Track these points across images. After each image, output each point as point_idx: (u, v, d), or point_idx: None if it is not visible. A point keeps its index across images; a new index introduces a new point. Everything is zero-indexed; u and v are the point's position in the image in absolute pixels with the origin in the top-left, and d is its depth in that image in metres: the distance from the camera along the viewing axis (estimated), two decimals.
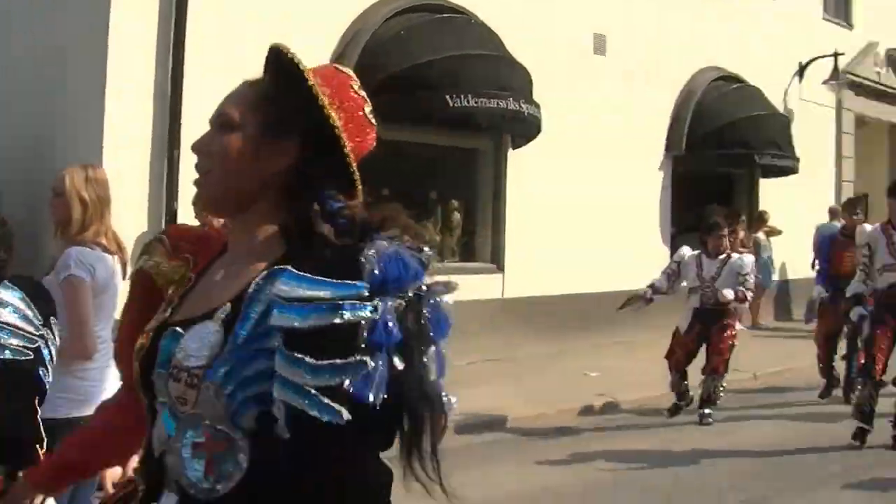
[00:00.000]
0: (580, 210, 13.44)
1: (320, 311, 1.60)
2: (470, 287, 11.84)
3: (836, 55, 18.20)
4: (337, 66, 1.85)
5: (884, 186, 22.11)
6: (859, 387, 8.08)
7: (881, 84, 20.99)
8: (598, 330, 13.52)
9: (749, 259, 9.29)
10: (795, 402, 10.18)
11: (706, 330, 9.00)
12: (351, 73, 1.91)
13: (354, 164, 1.84)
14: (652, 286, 9.35)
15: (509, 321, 12.42)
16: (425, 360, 1.71)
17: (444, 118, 10.95)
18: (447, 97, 10.52)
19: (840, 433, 8.34)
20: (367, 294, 1.62)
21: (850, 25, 20.34)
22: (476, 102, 10.69)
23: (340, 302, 1.60)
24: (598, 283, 13.47)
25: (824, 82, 18.39)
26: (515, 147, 12.45)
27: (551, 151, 12.71)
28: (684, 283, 9.36)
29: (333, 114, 1.76)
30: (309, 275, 1.64)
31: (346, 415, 1.56)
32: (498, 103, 10.88)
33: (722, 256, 9.05)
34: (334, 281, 1.63)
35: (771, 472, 7.26)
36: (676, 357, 9.11)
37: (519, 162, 12.57)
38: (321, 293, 1.61)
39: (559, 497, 6.73)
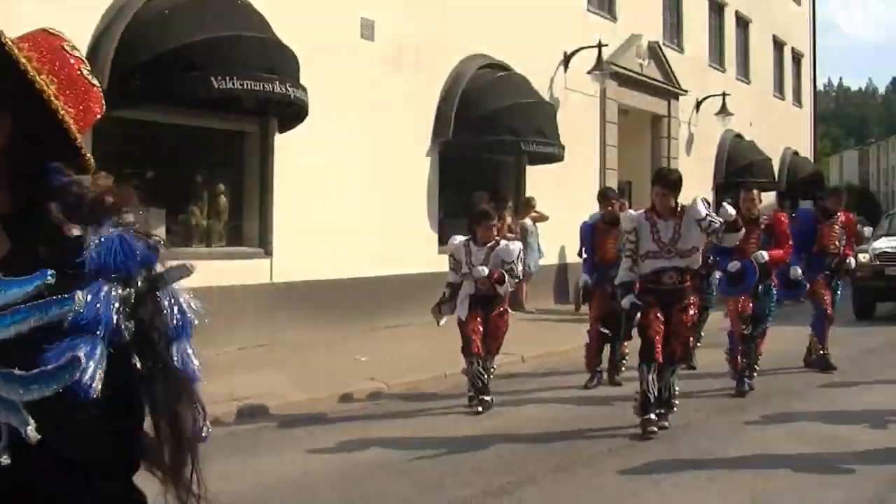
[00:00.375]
0: (349, 194, 13.98)
1: (21, 314, 1.48)
2: (238, 272, 12.35)
3: (599, 46, 19.53)
4: (48, 28, 1.67)
5: (646, 174, 24.02)
6: (641, 374, 8.11)
7: (643, 75, 22.66)
8: (370, 315, 14.13)
9: (516, 247, 9.43)
10: (562, 385, 10.70)
11: (484, 315, 9.20)
12: (63, 34, 1.72)
13: (77, 132, 1.65)
14: (450, 285, 9.48)
15: (279, 306, 12.83)
16: (171, 355, 1.63)
17: (210, 100, 11.21)
18: (212, 79, 10.71)
19: (607, 413, 9.06)
20: (69, 282, 1.50)
21: (613, 18, 21.85)
22: (242, 85, 10.93)
23: (41, 301, 1.48)
24: (368, 268, 14.07)
25: (589, 72, 19.68)
26: (282, 131, 12.81)
27: (319, 136, 13.18)
28: None
29: (40, 77, 1.59)
30: (11, 277, 1.50)
31: (34, 434, 1.43)
32: (264, 86, 11.16)
33: (490, 244, 9.23)
34: (27, 277, 1.49)
35: (541, 454, 7.53)
36: (478, 346, 9.10)
37: (287, 146, 12.94)
38: (19, 293, 1.49)
39: (324, 485, 6.73)
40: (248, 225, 13.02)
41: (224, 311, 12.11)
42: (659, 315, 8.03)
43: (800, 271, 10.87)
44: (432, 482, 6.63)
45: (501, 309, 9.37)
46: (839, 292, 11.87)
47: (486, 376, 9.24)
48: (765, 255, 9.87)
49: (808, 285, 11.20)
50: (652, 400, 7.92)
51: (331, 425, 8.73)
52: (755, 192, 10.51)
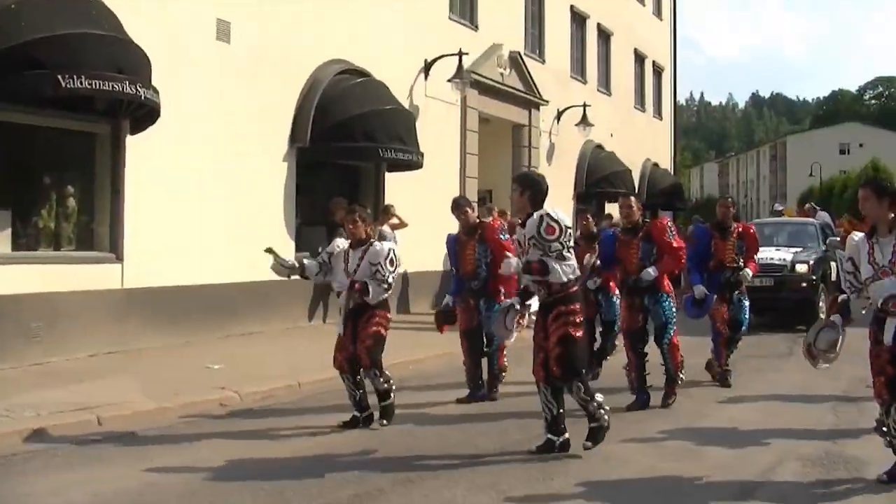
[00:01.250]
0: (204, 199, 13.93)
1: None
2: (87, 277, 12.22)
3: (460, 54, 19.82)
4: None
5: (506, 182, 24.43)
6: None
7: (504, 84, 23.09)
8: (223, 321, 14.09)
9: (384, 247, 8.92)
10: (427, 403, 10.24)
11: (353, 326, 8.87)
12: None
13: None
14: (302, 264, 9.30)
15: (130, 312, 12.71)
16: None
17: (58, 99, 11.05)
18: (59, 77, 10.55)
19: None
20: None
21: (475, 26, 22.22)
22: (91, 84, 10.79)
23: None
24: (222, 274, 14.04)
25: (449, 80, 19.93)
26: (134, 132, 12.67)
27: (174, 138, 13.14)
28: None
29: None
30: None
31: None
32: (114, 86, 11.03)
33: (364, 246, 8.85)
34: None
35: (393, 468, 7.54)
36: (339, 363, 8.89)
37: (139, 148, 12.80)
38: None
39: (169, 498, 6.57)
40: (98, 228, 12.82)
41: (74, 316, 11.99)
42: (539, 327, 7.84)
43: (703, 289, 10.84)
44: (276, 495, 6.63)
45: (369, 314, 8.80)
46: (745, 303, 11.55)
47: (357, 391, 8.91)
48: (651, 272, 9.78)
49: (714, 297, 11.04)
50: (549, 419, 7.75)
51: (180, 435, 8.61)
52: (632, 198, 10.31)
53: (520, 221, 7.89)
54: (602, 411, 7.66)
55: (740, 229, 11.53)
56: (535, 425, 8.19)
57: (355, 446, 8.13)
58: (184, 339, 13.34)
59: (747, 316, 11.65)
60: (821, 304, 17.98)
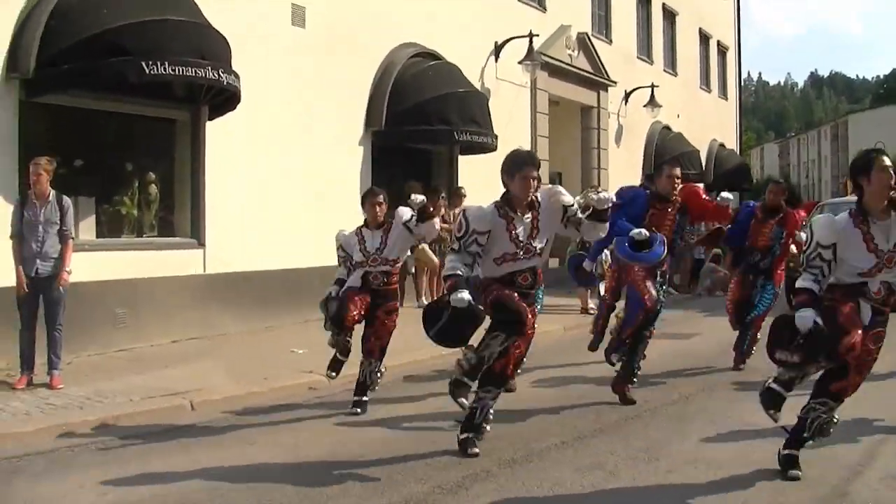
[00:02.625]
0: (282, 184, 13.89)
1: None
2: (170, 263, 12.20)
3: (531, 36, 19.62)
4: None
5: (576, 164, 24.13)
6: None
7: (572, 66, 22.84)
8: (305, 306, 13.99)
9: (406, 209, 8.62)
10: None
11: (373, 309, 8.65)
12: None
13: None
14: (339, 281, 8.89)
15: (212, 298, 12.70)
16: None
17: (141, 86, 11.00)
18: (143, 64, 10.51)
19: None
20: None
21: (543, 8, 21.94)
22: (174, 70, 10.74)
23: None
24: (301, 259, 13.98)
25: (520, 62, 19.75)
26: (213, 118, 12.66)
27: (251, 123, 13.11)
28: None
29: None
30: None
31: None
32: (196, 72, 10.98)
33: (384, 227, 8.71)
34: None
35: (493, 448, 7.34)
36: (343, 319, 8.51)
37: (218, 134, 12.79)
38: None
39: (277, 476, 6.61)
40: (179, 215, 12.83)
41: (157, 302, 11.99)
42: None
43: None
44: (385, 477, 6.54)
45: (391, 306, 8.71)
46: (768, 289, 10.97)
47: (376, 376, 8.84)
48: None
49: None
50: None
51: (277, 419, 8.58)
52: (678, 169, 9.32)
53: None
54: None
55: (783, 215, 10.86)
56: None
57: (448, 431, 7.90)
58: (264, 324, 13.32)
59: (765, 304, 10.90)
60: None
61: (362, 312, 8.58)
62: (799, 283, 6.15)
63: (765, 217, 10.91)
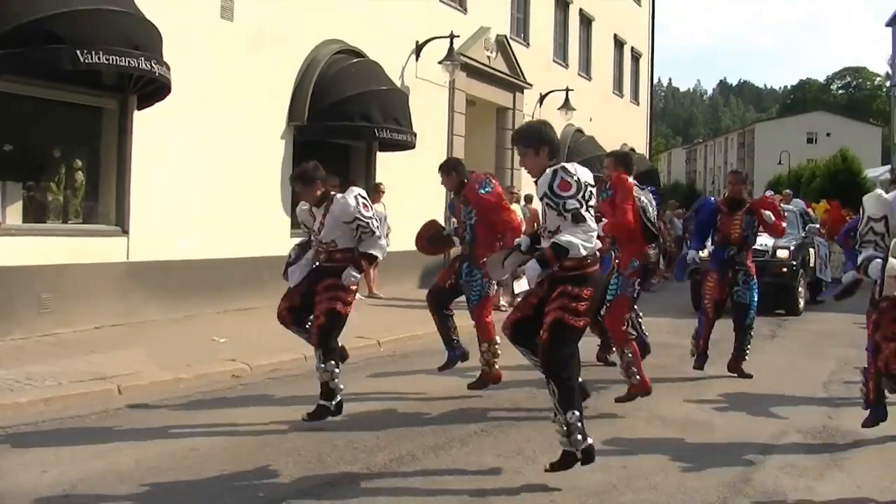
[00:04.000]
0: (205, 174, 14.16)
1: None
2: (94, 250, 12.43)
3: (451, 37, 20.10)
4: None
5: (490, 164, 24.63)
6: None
7: (491, 67, 23.41)
8: (226, 295, 14.34)
9: (347, 199, 7.98)
10: (420, 369, 10.79)
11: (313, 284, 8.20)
12: None
13: None
14: (298, 246, 8.64)
15: (135, 285, 12.95)
16: None
17: (72, 74, 11.21)
18: (78, 52, 10.69)
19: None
20: None
21: (464, 9, 22.46)
22: (108, 59, 10.95)
23: None
24: (223, 249, 14.30)
25: (440, 62, 20.24)
26: (141, 108, 12.87)
27: (178, 114, 13.34)
28: None
29: None
30: None
31: None
32: (130, 62, 11.21)
33: (325, 202, 8.13)
34: None
35: (416, 434, 7.81)
36: (281, 314, 8.37)
37: (145, 123, 13.02)
38: None
39: (214, 457, 6.95)
40: (105, 202, 13.02)
41: (81, 288, 12.20)
42: None
43: (695, 254, 10.93)
44: (315, 458, 6.97)
45: (329, 283, 8.00)
46: (752, 284, 11.06)
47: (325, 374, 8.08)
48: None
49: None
50: None
51: (205, 402, 8.96)
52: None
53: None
54: (578, 436, 6.28)
55: (750, 204, 11.02)
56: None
57: (377, 415, 8.49)
58: (186, 313, 13.60)
59: (755, 298, 11.08)
60: (800, 289, 18.52)
61: (296, 304, 8.26)
62: (861, 257, 6.72)
63: (731, 209, 11.01)
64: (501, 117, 25.34)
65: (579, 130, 29.51)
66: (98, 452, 7.04)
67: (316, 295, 8.01)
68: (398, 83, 18.96)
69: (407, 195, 18.55)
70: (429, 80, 20.56)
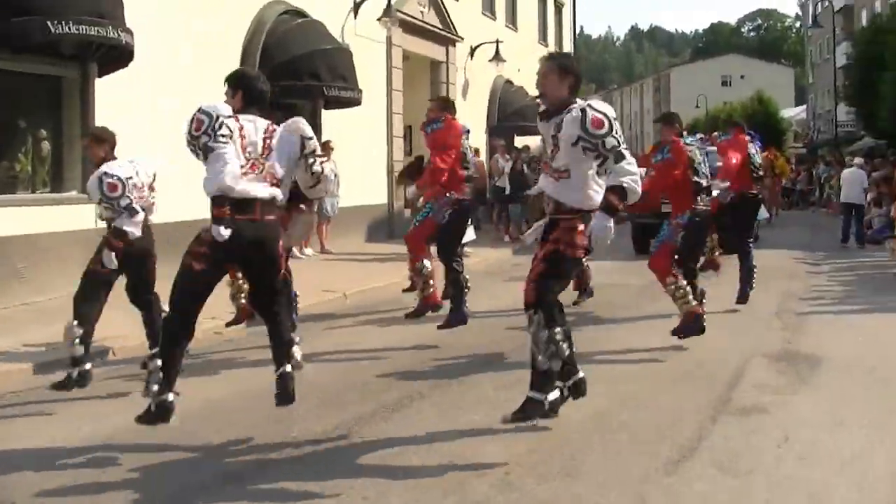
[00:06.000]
0: (164, 140, 14.33)
1: None
2: (62, 218, 12.65)
3: None
4: None
5: (422, 117, 24.87)
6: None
7: (425, 22, 23.86)
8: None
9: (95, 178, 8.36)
10: (390, 318, 11.49)
11: None
12: None
13: None
14: None
15: None
16: None
17: (43, 45, 11.44)
18: (48, 23, 10.93)
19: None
20: None
21: None
22: (78, 29, 11.20)
23: None
24: (190, 212, 14.49)
25: (378, 19, 20.66)
26: (102, 75, 13.08)
27: (136, 80, 13.60)
28: None
29: None
30: None
31: None
32: (98, 31, 11.47)
33: None
34: None
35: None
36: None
37: (107, 91, 13.25)
38: None
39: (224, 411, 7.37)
40: (71, 170, 13.28)
41: (52, 256, 12.48)
42: None
43: None
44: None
45: None
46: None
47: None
48: None
49: None
50: None
51: (205, 360, 9.53)
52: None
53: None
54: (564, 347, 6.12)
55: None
56: None
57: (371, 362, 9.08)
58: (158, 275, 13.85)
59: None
60: None
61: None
62: None
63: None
64: (435, 71, 25.88)
65: (509, 81, 30.08)
66: (111, 411, 7.40)
67: None
68: (340, 41, 19.30)
69: (351, 150, 18.99)
70: (367, 37, 20.94)
